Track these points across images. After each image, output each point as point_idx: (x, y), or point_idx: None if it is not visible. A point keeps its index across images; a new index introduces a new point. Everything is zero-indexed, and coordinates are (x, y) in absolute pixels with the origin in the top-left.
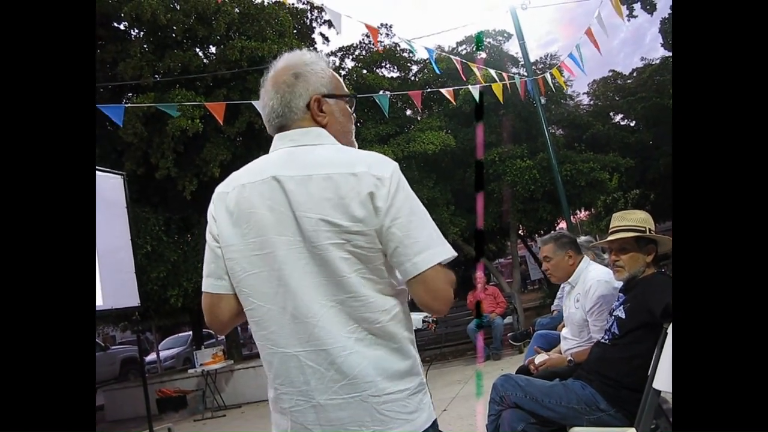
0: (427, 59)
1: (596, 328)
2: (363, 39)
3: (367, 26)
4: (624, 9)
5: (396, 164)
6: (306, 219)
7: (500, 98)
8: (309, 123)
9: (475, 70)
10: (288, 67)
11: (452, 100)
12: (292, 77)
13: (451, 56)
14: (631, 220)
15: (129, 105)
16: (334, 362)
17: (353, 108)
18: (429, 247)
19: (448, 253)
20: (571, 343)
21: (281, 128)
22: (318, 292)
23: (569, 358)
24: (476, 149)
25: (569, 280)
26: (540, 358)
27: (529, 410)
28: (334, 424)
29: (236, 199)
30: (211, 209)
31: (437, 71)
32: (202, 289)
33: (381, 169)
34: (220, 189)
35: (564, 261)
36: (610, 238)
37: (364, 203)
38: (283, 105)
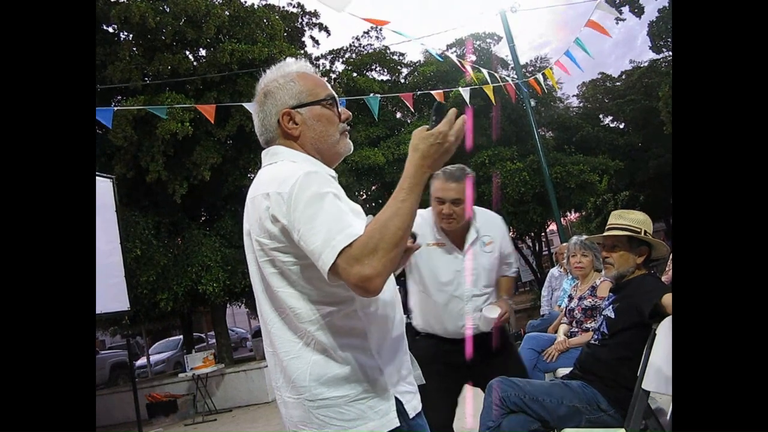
0: (417, 62)
1: (511, 263)
2: (353, 42)
3: (369, 20)
4: (612, 11)
5: (301, 174)
6: (252, 239)
7: (492, 99)
8: (282, 138)
9: (468, 67)
10: (262, 86)
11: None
12: (263, 96)
13: (447, 53)
14: (628, 219)
15: (119, 108)
16: (281, 365)
17: (336, 107)
18: (325, 247)
19: (346, 239)
20: (486, 291)
21: (267, 144)
22: (269, 303)
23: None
24: (466, 150)
25: (478, 226)
26: (493, 312)
27: (530, 411)
28: (292, 421)
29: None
30: None
31: (438, 59)
32: None
33: (284, 186)
34: None
35: (470, 203)
36: (603, 234)
37: (273, 222)
38: (260, 124)
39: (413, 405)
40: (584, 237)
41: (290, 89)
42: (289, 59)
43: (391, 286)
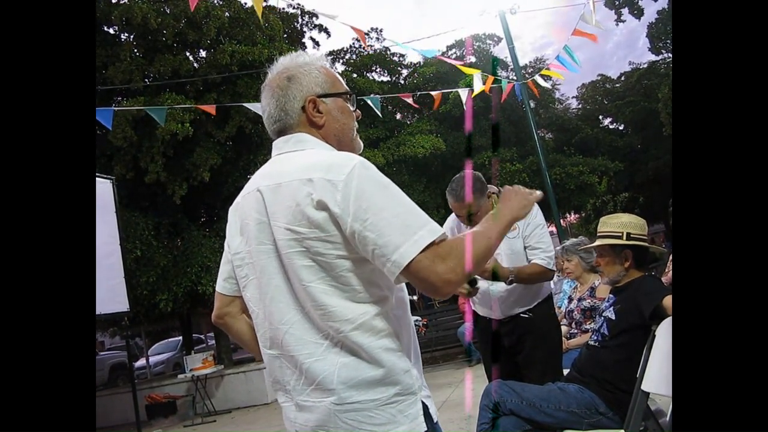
0: (416, 63)
1: (538, 250)
2: (353, 43)
3: (355, 29)
4: (612, 13)
5: (357, 162)
6: (276, 228)
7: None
8: (305, 125)
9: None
10: (282, 70)
11: (435, 105)
12: (286, 80)
13: (443, 58)
14: (610, 225)
15: (118, 108)
16: (301, 368)
17: (354, 105)
18: (405, 239)
19: (430, 236)
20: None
21: (280, 132)
22: (289, 299)
23: (511, 275)
24: (466, 153)
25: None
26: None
27: (526, 417)
28: (307, 425)
29: (240, 209)
30: (229, 217)
31: (430, 56)
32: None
33: (336, 173)
34: (237, 198)
35: (488, 205)
36: (592, 245)
37: (318, 209)
38: (279, 109)
39: (434, 410)
40: (568, 242)
41: (317, 77)
42: (308, 52)
43: (406, 292)
